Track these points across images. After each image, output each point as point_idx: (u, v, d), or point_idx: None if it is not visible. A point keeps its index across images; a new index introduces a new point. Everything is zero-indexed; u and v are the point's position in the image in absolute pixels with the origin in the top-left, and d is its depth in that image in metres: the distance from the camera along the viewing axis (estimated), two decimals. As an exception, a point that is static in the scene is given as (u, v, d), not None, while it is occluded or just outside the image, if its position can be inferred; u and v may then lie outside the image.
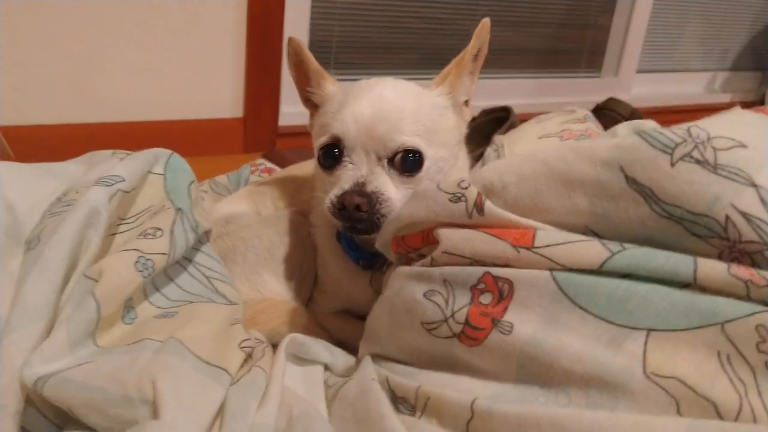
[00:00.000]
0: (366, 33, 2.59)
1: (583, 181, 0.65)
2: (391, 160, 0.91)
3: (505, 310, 0.67)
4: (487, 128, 1.80)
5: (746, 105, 3.62)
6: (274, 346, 0.92)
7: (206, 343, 0.80)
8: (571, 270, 0.64)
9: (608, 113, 2.26)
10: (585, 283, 0.63)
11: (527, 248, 0.66)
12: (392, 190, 0.90)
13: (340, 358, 0.90)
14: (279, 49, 2.28)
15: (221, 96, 2.27)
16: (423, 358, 0.75)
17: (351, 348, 0.95)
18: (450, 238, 0.72)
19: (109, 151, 1.11)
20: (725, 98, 3.70)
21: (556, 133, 1.29)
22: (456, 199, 0.72)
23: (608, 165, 0.64)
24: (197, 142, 2.20)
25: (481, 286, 0.69)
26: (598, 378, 0.60)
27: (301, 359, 0.87)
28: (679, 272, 0.60)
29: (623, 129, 0.98)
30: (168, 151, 1.04)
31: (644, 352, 0.59)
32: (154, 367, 0.73)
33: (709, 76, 3.74)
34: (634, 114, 2.23)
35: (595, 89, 3.16)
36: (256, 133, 2.36)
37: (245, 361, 0.83)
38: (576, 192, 0.66)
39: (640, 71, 3.35)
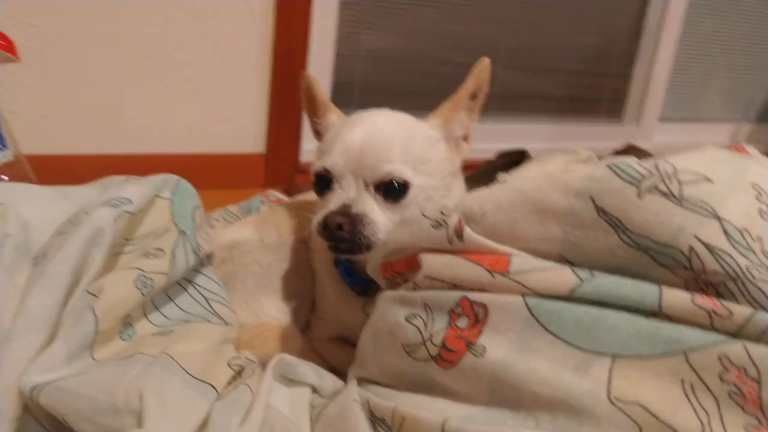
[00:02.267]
0: (388, 76, 2.64)
1: (556, 211, 0.68)
2: (378, 186, 0.95)
3: (479, 333, 0.69)
4: (503, 170, 1.82)
5: (772, 156, 3.60)
6: (267, 368, 0.94)
7: (196, 360, 0.82)
8: (542, 296, 0.66)
9: (626, 159, 2.28)
10: (555, 309, 0.65)
11: (502, 274, 0.69)
12: (377, 214, 0.94)
13: (328, 381, 0.92)
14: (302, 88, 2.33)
15: (244, 131, 2.32)
16: (404, 380, 0.77)
17: (345, 375, 0.97)
18: (431, 263, 0.75)
19: (123, 177, 1.16)
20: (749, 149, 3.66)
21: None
22: (438, 225, 0.75)
23: (579, 195, 0.66)
24: (219, 175, 2.25)
25: (459, 309, 0.71)
26: (564, 402, 0.61)
27: (289, 380, 0.89)
28: (645, 301, 0.62)
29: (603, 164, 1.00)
30: (176, 177, 1.09)
31: (609, 377, 0.61)
32: (142, 380, 0.76)
33: (733, 127, 3.72)
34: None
35: (616, 136, 3.15)
36: (277, 168, 2.40)
37: (234, 378, 0.85)
38: (549, 221, 0.68)
39: (662, 119, 3.34)
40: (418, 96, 2.71)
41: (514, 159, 1.92)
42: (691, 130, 3.54)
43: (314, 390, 0.90)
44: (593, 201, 0.65)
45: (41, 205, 1.05)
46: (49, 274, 0.86)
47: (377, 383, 0.82)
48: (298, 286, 1.10)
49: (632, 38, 3.13)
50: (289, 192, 2.20)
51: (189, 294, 0.99)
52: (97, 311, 0.84)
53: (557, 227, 0.68)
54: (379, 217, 0.94)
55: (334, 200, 0.96)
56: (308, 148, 2.44)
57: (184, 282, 1.00)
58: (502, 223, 0.72)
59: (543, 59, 2.96)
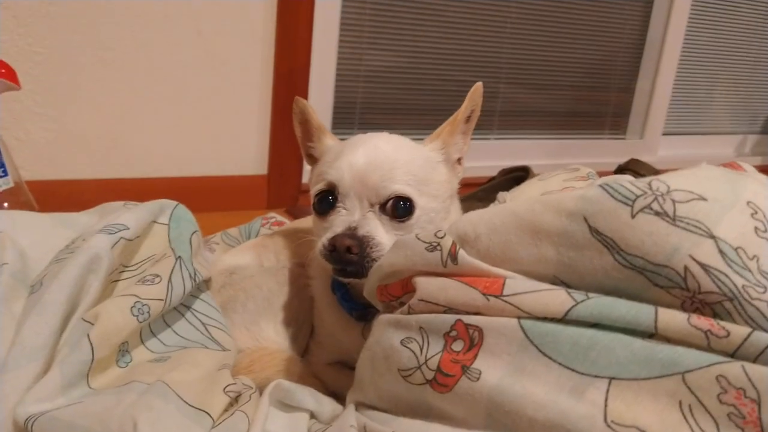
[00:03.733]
0: (390, 95, 2.65)
1: (550, 232, 0.67)
2: (383, 207, 0.95)
3: (475, 357, 0.68)
4: (506, 186, 1.81)
5: (778, 168, 3.58)
6: (266, 395, 0.93)
7: (193, 387, 0.82)
8: (537, 318, 0.65)
9: (630, 174, 2.27)
10: (550, 332, 0.64)
11: (496, 296, 0.68)
12: (383, 235, 0.93)
13: (327, 406, 0.91)
14: (303, 108, 2.34)
15: (247, 153, 2.33)
16: (400, 405, 0.76)
17: (345, 399, 0.96)
18: (426, 286, 0.74)
19: (120, 203, 1.16)
20: (755, 161, 3.64)
21: (558, 191, 1.30)
22: (432, 248, 0.74)
23: (573, 216, 0.66)
24: (223, 197, 2.25)
25: (454, 333, 0.70)
26: (560, 426, 0.60)
27: (287, 406, 0.89)
28: (641, 322, 0.61)
29: (598, 182, 0.99)
30: (173, 202, 1.09)
31: (606, 400, 0.60)
32: (136, 409, 0.75)
33: (738, 139, 3.71)
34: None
35: (620, 151, 3.15)
36: (280, 189, 2.41)
37: (230, 405, 0.84)
38: (543, 242, 0.68)
39: (666, 133, 3.34)
40: (420, 115, 2.72)
41: (517, 176, 1.92)
42: (695, 144, 3.53)
43: (312, 415, 0.89)
44: (586, 221, 0.65)
45: (39, 233, 1.05)
46: (45, 302, 0.86)
47: (375, 408, 0.81)
48: (298, 310, 1.09)
49: (635, 52, 3.14)
50: (293, 213, 2.21)
51: (186, 320, 0.99)
52: (93, 339, 0.84)
53: (551, 248, 0.67)
54: (385, 239, 0.93)
55: (338, 222, 0.95)
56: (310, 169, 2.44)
57: (182, 308, 0.99)
58: (496, 246, 0.71)
59: (545, 75, 2.96)
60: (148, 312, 0.90)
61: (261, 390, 0.96)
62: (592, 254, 0.65)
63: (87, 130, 2.02)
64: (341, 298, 1.04)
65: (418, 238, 0.77)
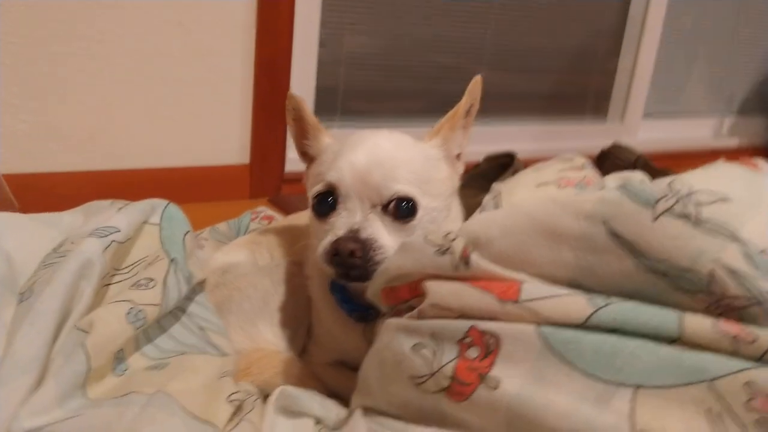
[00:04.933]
0: (373, 80, 2.62)
1: (568, 235, 0.65)
2: (385, 208, 0.92)
3: (491, 364, 0.66)
4: (492, 174, 1.80)
5: (754, 149, 3.62)
6: (267, 398, 0.91)
7: (195, 397, 0.79)
8: (557, 324, 0.64)
9: (613, 159, 2.26)
10: (571, 339, 0.62)
11: (513, 302, 0.66)
12: (386, 237, 0.90)
13: (332, 410, 0.89)
14: (285, 97, 2.30)
15: (228, 143, 2.29)
16: (412, 411, 0.74)
17: (346, 399, 0.94)
18: (437, 290, 0.72)
19: (107, 201, 1.12)
20: (733, 143, 3.67)
21: (553, 181, 1.29)
22: (442, 251, 0.72)
23: (591, 219, 0.64)
24: (204, 188, 2.21)
25: (468, 340, 0.68)
26: (584, 436, 0.59)
27: (290, 412, 0.86)
28: (666, 327, 0.59)
29: (611, 181, 0.98)
30: (164, 202, 1.05)
31: (632, 409, 0.58)
32: (140, 423, 0.72)
33: (716, 121, 3.73)
34: (639, 159, 2.23)
35: (601, 135, 3.15)
36: (263, 179, 2.37)
37: (234, 414, 0.82)
38: (561, 245, 0.66)
39: (646, 116, 3.35)
40: (403, 100, 2.69)
41: (501, 162, 1.90)
42: (675, 127, 3.54)
43: (318, 421, 0.87)
44: (606, 224, 0.63)
45: (24, 236, 1.01)
46: (36, 311, 0.82)
47: (384, 414, 0.79)
48: (295, 309, 1.06)
49: (615, 37, 3.13)
50: (276, 203, 2.17)
51: (182, 324, 0.96)
52: (89, 348, 0.81)
53: (569, 252, 0.65)
54: (389, 241, 0.90)
55: (340, 224, 0.91)
56: (293, 157, 2.39)
57: (177, 311, 0.96)
58: (510, 249, 0.69)
59: (527, 60, 2.94)
60: (144, 318, 0.87)
61: (262, 393, 0.94)
62: (612, 258, 0.63)
63: (66, 122, 1.97)
64: (341, 300, 1.01)
65: (427, 241, 0.75)
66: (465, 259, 0.70)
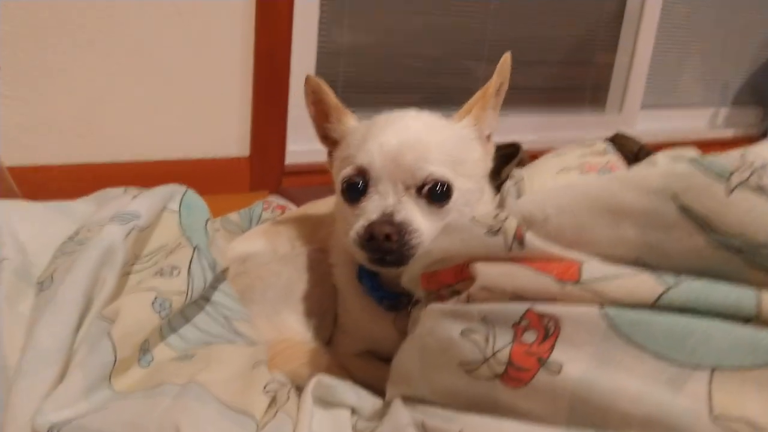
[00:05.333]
0: (373, 73, 2.58)
1: (632, 211, 0.62)
2: (419, 190, 0.88)
3: (551, 348, 0.63)
4: (496, 164, 1.78)
5: (749, 140, 3.63)
6: (298, 388, 0.87)
7: (229, 387, 0.75)
8: (623, 305, 0.60)
9: (617, 148, 2.25)
10: (640, 320, 0.59)
11: (573, 283, 0.63)
12: (421, 221, 0.87)
13: (368, 400, 0.85)
14: (285, 87, 2.26)
15: (228, 134, 2.24)
16: (460, 400, 0.71)
17: (375, 391, 0.91)
18: (488, 273, 0.68)
19: (120, 189, 1.09)
20: (728, 133, 3.69)
21: (576, 167, 1.26)
22: (493, 232, 0.69)
23: (659, 193, 0.60)
24: (203, 180, 2.14)
25: (524, 323, 0.65)
26: (659, 422, 0.56)
27: (326, 402, 0.83)
28: (742, 307, 0.56)
29: (664, 158, 0.95)
30: (183, 187, 1.02)
31: (709, 392, 0.55)
32: (175, 413, 0.69)
33: (711, 112, 3.74)
34: (642, 149, 2.21)
35: (599, 125, 3.15)
36: (263, 171, 2.33)
37: (269, 405, 0.78)
38: (624, 222, 0.62)
39: (644, 107, 3.35)
40: (405, 93, 2.66)
41: (506, 153, 1.88)
42: (671, 117, 3.55)
43: (353, 411, 0.84)
44: (675, 199, 0.60)
45: (37, 225, 0.97)
46: (58, 301, 0.78)
47: (428, 402, 0.75)
48: (321, 298, 1.03)
49: (613, 28, 3.12)
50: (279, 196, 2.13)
51: (207, 313, 0.92)
52: (114, 338, 0.77)
53: (633, 229, 0.62)
54: (424, 225, 0.86)
55: (372, 208, 0.87)
56: (294, 149, 2.37)
57: (201, 300, 0.92)
58: (567, 228, 0.66)
59: (526, 52, 2.92)
60: (170, 307, 0.83)
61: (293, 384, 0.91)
62: (682, 234, 0.60)
63: (60, 114, 1.92)
64: (370, 288, 0.98)
65: (476, 221, 0.71)
66: (519, 239, 0.67)
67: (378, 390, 0.90)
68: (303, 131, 2.37)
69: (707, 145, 1.40)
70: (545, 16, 2.88)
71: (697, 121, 3.68)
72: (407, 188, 0.88)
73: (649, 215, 0.61)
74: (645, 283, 0.60)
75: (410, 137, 0.89)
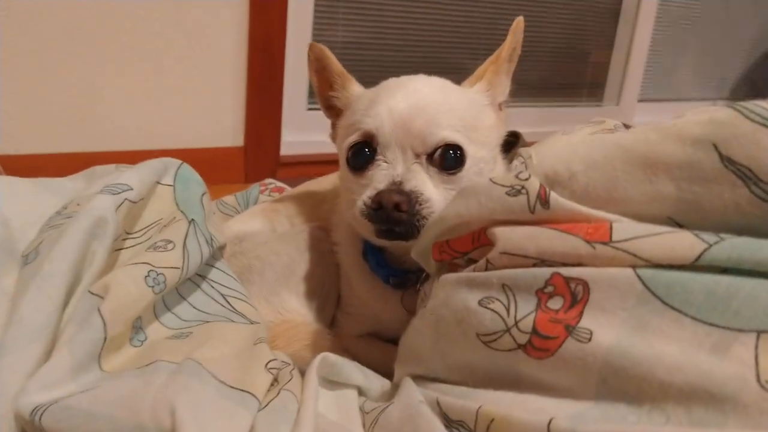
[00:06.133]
0: (368, 65, 2.54)
1: (669, 163, 0.57)
2: (430, 157, 0.83)
3: (580, 315, 0.58)
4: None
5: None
6: (300, 371, 0.82)
7: (228, 365, 0.70)
8: (658, 266, 0.55)
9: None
10: (677, 281, 0.54)
11: (604, 243, 0.58)
12: (432, 190, 0.81)
13: (375, 381, 0.80)
14: (280, 77, 2.22)
15: (221, 124, 2.20)
16: (478, 375, 0.66)
17: (380, 374, 0.86)
18: (509, 236, 0.63)
19: (111, 166, 1.04)
20: (726, 127, 3.67)
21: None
22: (515, 192, 0.64)
23: (700, 143, 0.55)
24: (197, 171, 2.11)
25: (549, 288, 0.60)
26: (702, 390, 0.51)
27: (332, 382, 0.78)
28: (790, 264, 0.51)
29: (693, 115, 0.89)
30: (177, 161, 0.97)
31: (756, 357, 0.50)
32: (171, 391, 0.63)
33: (708, 105, 3.72)
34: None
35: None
36: (258, 162, 2.29)
37: (271, 384, 0.73)
38: (660, 176, 0.57)
39: (641, 100, 3.33)
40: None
41: (507, 141, 1.82)
42: (669, 110, 3.54)
43: (360, 391, 0.79)
44: (717, 149, 0.55)
45: (22, 199, 0.92)
46: (44, 274, 0.73)
47: (441, 380, 0.70)
48: (322, 277, 0.98)
49: (610, 20, 3.11)
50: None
51: (203, 291, 0.87)
52: (105, 314, 0.71)
53: (670, 184, 0.57)
54: (435, 194, 0.81)
55: (380, 177, 0.82)
56: (289, 140, 2.32)
57: (197, 278, 0.87)
58: (597, 185, 0.61)
59: (523, 45, 2.88)
60: (164, 282, 0.78)
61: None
62: (723, 188, 0.55)
63: (51, 102, 1.89)
64: (375, 266, 0.92)
65: (495, 182, 0.66)
66: (543, 200, 0.62)
67: (383, 373, 0.86)
68: (297, 121, 2.32)
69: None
70: (543, 12, 2.86)
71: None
72: (417, 155, 0.83)
73: (688, 168, 0.56)
74: (684, 241, 0.55)
75: (420, 101, 0.84)
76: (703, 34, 3.50)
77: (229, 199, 1.39)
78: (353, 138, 0.86)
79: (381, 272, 0.93)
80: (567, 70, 3.13)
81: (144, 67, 1.98)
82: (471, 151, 0.84)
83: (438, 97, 0.85)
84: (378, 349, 0.95)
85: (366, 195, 0.81)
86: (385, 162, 0.83)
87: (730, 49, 3.68)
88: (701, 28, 3.47)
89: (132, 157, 2.01)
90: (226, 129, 2.21)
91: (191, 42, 2.03)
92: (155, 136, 2.08)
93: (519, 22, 0.92)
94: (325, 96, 0.98)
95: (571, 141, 0.62)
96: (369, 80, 0.96)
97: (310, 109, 2.34)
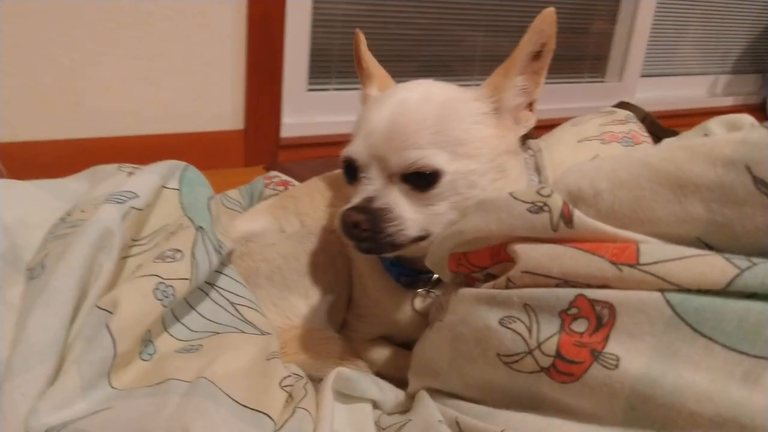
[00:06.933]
0: (368, 41, 2.50)
1: (699, 185, 0.55)
2: (405, 176, 0.82)
3: (606, 339, 0.56)
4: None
5: (748, 108, 3.60)
6: (311, 378, 0.81)
7: (241, 383, 0.69)
8: (688, 291, 0.54)
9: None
10: (708, 307, 0.53)
11: (631, 265, 0.56)
12: (405, 208, 0.82)
13: (390, 393, 0.79)
14: (280, 58, 2.18)
15: (221, 107, 2.17)
16: (497, 394, 0.64)
17: (392, 380, 0.85)
18: (531, 255, 0.62)
19: (114, 166, 1.01)
20: (728, 101, 3.65)
21: (596, 136, 1.19)
22: (537, 209, 0.62)
23: (732, 164, 0.54)
24: (197, 155, 2.06)
25: (573, 311, 0.58)
26: (732, 421, 0.50)
27: (346, 396, 0.77)
28: (825, 291, 0.50)
29: (717, 126, 0.87)
30: (182, 163, 0.95)
31: (789, 388, 0.49)
32: (185, 414, 0.62)
33: (711, 80, 3.69)
34: (647, 117, 2.15)
35: (600, 94, 3.10)
36: (258, 145, 2.26)
37: (286, 401, 0.72)
38: (689, 197, 0.56)
39: (643, 75, 3.29)
40: (401, 62, 2.58)
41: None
42: (671, 85, 3.52)
43: (375, 405, 0.77)
44: (750, 171, 0.53)
45: (24, 204, 0.90)
46: (51, 291, 0.71)
47: (459, 397, 0.69)
48: (332, 281, 0.96)
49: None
50: (270, 170, 2.06)
51: (212, 299, 0.85)
52: (114, 331, 0.70)
53: (699, 205, 0.55)
54: (406, 212, 0.81)
55: (359, 193, 0.84)
56: (289, 122, 2.29)
57: (205, 285, 0.85)
58: (623, 204, 0.59)
59: (525, 20, 2.84)
60: (173, 294, 0.76)
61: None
62: (755, 210, 0.53)
63: (48, 87, 1.85)
64: (388, 264, 0.91)
65: (515, 197, 0.64)
66: (566, 218, 0.60)
67: (396, 379, 0.85)
68: (299, 104, 2.29)
69: (707, 114, 1.36)
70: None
71: (697, 90, 3.65)
72: (392, 174, 0.83)
73: (718, 189, 0.54)
74: (714, 265, 0.53)
75: (403, 118, 0.82)
76: (706, 9, 3.46)
77: (233, 193, 1.36)
78: (343, 154, 0.87)
79: (393, 271, 0.93)
80: (569, 46, 3.09)
81: (141, 49, 1.94)
82: (453, 167, 0.81)
83: (422, 111, 0.83)
84: (392, 354, 0.94)
85: (342, 209, 0.83)
86: (367, 179, 0.84)
87: (733, 24, 3.64)
88: (704, 2, 3.43)
89: (132, 143, 2.00)
90: (225, 112, 2.18)
91: (189, 22, 1.99)
92: (154, 120, 2.05)
93: (547, 15, 0.88)
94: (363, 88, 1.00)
95: (592, 153, 0.59)
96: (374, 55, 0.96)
97: (310, 90, 2.31)
